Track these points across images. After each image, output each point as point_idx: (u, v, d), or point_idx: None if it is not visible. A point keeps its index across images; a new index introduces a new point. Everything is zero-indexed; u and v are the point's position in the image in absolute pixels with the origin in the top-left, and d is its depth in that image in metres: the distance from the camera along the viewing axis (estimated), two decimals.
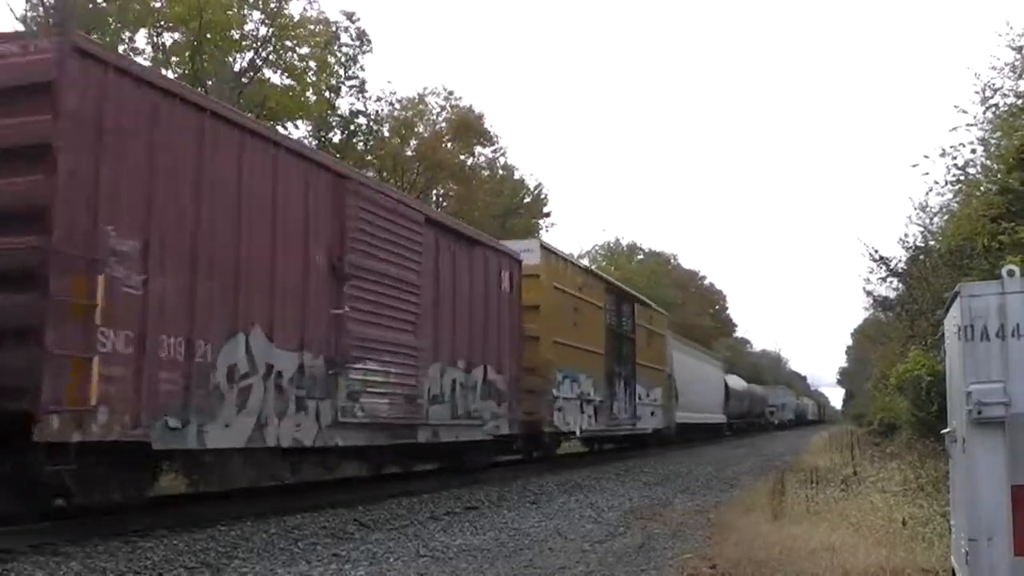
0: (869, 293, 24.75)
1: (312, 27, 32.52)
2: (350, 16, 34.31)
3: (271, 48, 30.78)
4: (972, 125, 14.42)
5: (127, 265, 8.08)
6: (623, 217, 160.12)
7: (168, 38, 29.68)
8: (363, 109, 36.40)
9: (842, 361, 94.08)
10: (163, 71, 29.67)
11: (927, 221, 19.30)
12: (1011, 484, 4.25)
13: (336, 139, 36.19)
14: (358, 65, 35.06)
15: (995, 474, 4.29)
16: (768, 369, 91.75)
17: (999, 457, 4.30)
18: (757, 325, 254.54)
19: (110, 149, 7.99)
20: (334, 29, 33.65)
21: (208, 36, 28.15)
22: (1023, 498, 4.21)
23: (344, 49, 34.58)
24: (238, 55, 30.35)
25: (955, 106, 14.51)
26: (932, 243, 18.54)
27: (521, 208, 45.43)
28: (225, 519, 9.41)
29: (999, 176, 13.15)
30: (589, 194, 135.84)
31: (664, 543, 8.97)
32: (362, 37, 34.78)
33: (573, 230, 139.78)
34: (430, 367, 13.51)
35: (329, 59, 33.61)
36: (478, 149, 41.81)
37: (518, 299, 17.02)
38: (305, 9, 32.64)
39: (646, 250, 66.96)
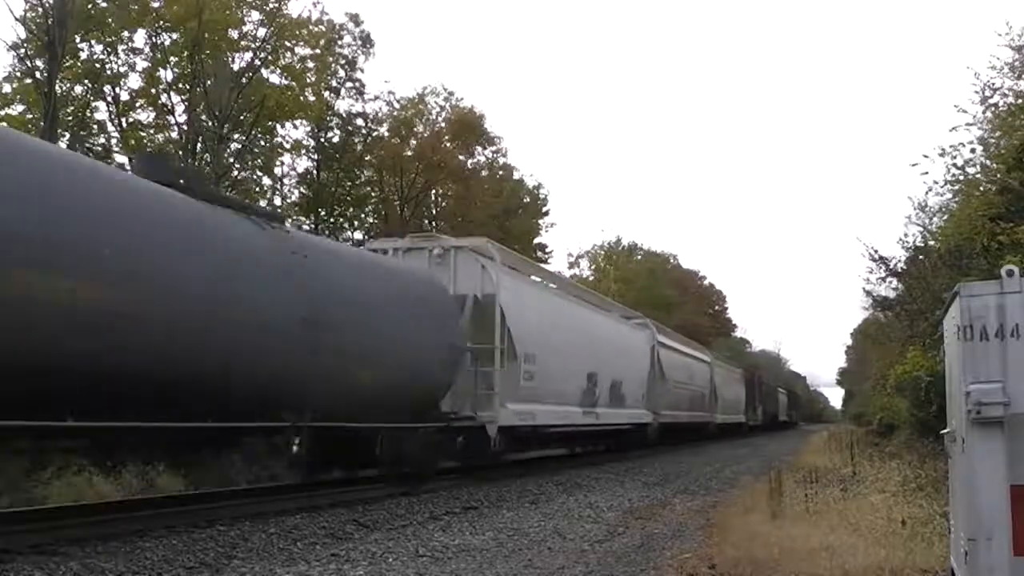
0: (868, 293, 24.77)
1: (313, 28, 32.53)
2: (354, 18, 34.31)
3: (270, 48, 30.78)
4: (972, 125, 14.45)
5: None
6: (623, 217, 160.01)
7: (167, 38, 29.70)
8: (362, 111, 36.43)
9: (841, 361, 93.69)
10: (161, 71, 29.83)
11: (926, 221, 19.35)
12: (1010, 484, 4.24)
13: (335, 139, 36.22)
14: (358, 67, 35.08)
15: (994, 474, 4.28)
16: (768, 368, 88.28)
17: (998, 457, 4.29)
18: (757, 325, 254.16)
19: None
20: (336, 29, 33.67)
21: (207, 36, 28.15)
22: (1022, 498, 4.20)
23: (346, 51, 34.61)
24: (237, 55, 30.36)
25: (955, 106, 14.53)
26: (931, 243, 18.57)
27: (520, 208, 45.40)
28: (224, 519, 9.41)
29: (998, 176, 13.18)
30: (589, 194, 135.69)
31: (663, 543, 8.97)
32: (366, 41, 34.80)
33: (573, 230, 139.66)
34: None
35: (328, 59, 33.63)
36: (478, 150, 41.80)
37: None
38: (309, 12, 32.64)
39: (646, 250, 67.06)
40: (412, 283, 13.97)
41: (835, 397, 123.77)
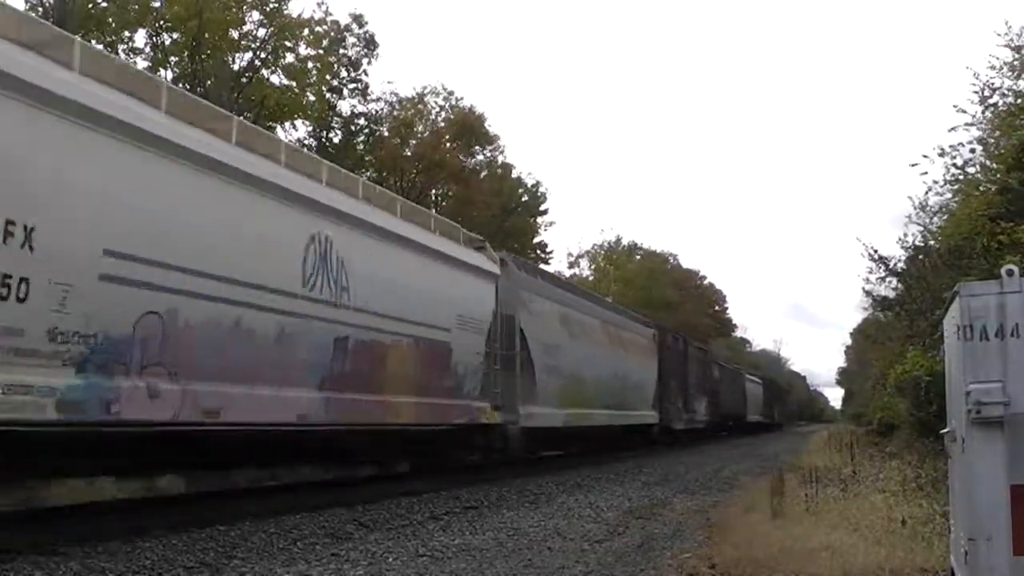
0: (868, 293, 24.77)
1: (317, 27, 32.48)
2: (358, 20, 34.27)
3: (270, 48, 30.78)
4: (971, 125, 14.48)
5: None
6: (623, 217, 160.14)
7: (167, 38, 29.71)
8: (364, 111, 36.44)
9: (841, 361, 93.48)
10: (161, 71, 29.82)
11: (926, 221, 19.35)
12: (1010, 484, 4.24)
13: (336, 139, 36.23)
14: (361, 69, 35.05)
15: (994, 474, 4.29)
16: (767, 368, 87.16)
17: (998, 457, 4.29)
18: (757, 325, 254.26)
19: None
20: (340, 30, 33.62)
21: (207, 36, 28.17)
22: (1022, 497, 4.21)
23: (350, 52, 34.59)
24: (237, 55, 30.37)
25: (954, 106, 14.55)
26: (931, 243, 18.58)
27: (519, 207, 45.40)
28: (224, 519, 9.41)
29: (998, 176, 13.20)
30: (589, 193, 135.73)
31: (663, 543, 8.97)
32: (370, 43, 34.77)
33: (572, 229, 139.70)
34: None
35: (330, 59, 33.61)
36: (477, 149, 41.79)
37: None
38: (313, 13, 32.59)
39: (646, 249, 67.05)
40: None
41: (835, 397, 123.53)
